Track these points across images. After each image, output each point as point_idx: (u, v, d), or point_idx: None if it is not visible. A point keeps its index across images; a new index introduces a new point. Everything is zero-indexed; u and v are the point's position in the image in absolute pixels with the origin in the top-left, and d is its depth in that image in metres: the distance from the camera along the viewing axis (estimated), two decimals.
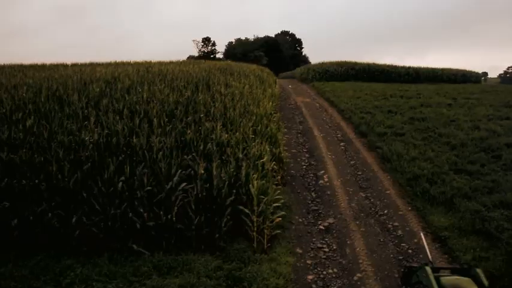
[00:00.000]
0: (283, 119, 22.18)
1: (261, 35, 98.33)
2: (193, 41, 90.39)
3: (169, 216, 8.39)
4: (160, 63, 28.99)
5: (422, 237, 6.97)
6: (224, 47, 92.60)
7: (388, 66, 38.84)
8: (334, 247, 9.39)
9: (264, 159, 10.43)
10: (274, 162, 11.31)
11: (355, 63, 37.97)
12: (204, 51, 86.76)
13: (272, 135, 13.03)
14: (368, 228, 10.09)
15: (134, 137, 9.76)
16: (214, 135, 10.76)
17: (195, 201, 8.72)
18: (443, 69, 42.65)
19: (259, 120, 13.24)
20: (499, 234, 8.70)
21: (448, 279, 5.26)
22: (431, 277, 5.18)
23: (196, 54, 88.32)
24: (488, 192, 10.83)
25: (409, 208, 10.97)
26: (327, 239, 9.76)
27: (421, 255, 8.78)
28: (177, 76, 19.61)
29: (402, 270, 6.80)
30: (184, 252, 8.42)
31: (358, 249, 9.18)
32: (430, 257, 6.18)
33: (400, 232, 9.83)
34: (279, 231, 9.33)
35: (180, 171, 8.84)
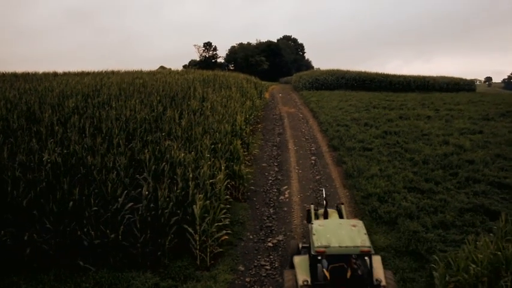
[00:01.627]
0: (264, 130, 22.71)
1: (264, 40, 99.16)
2: (195, 45, 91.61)
3: (113, 235, 8.89)
4: (149, 73, 29.69)
5: (324, 190, 11.66)
6: (226, 52, 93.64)
7: (379, 74, 39.16)
8: (276, 265, 9.84)
9: (216, 179, 10.91)
10: (228, 180, 11.77)
11: (346, 72, 38.34)
12: (205, 56, 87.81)
13: (234, 151, 13.49)
14: None
15: (90, 157, 10.29)
16: (170, 154, 11.26)
17: (140, 220, 9.24)
18: (435, 78, 42.88)
19: (222, 137, 13.72)
20: (429, 256, 9.09)
21: (320, 211, 9.33)
22: (312, 210, 9.43)
23: (197, 58, 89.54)
24: (433, 212, 11.20)
25: None
26: (271, 257, 10.20)
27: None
28: (157, 89, 20.22)
29: (306, 212, 10.36)
30: (128, 269, 8.94)
31: None
32: (324, 202, 9.68)
33: None
34: (221, 250, 9.79)
35: (126, 192, 9.35)
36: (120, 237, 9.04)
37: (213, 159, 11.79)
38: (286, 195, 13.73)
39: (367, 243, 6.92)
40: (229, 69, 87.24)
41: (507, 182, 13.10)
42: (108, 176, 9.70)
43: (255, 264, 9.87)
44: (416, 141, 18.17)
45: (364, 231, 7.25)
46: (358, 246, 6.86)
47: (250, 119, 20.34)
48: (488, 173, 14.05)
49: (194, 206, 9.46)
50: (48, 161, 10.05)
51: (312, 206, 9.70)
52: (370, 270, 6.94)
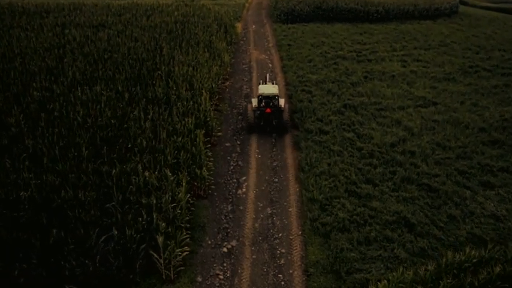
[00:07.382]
0: (231, 91, 23.28)
1: None
2: None
3: (91, 265, 10.74)
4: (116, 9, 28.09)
5: (268, 75, 22.31)
6: None
7: (357, 4, 37.71)
8: (228, 274, 12.11)
9: (179, 195, 12.45)
10: (189, 195, 13.29)
11: (323, 1, 36.77)
12: None
13: (196, 153, 14.67)
14: (259, 256, 12.69)
15: (62, 191, 11.49)
16: (136, 177, 12.49)
17: (113, 249, 11.03)
18: (415, 4, 41.70)
19: (185, 137, 14.75)
20: (346, 277, 11.46)
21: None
22: (261, 82, 20.62)
23: None
24: (362, 224, 13.28)
25: (299, 233, 13.47)
26: (225, 265, 12.40)
27: None
28: (123, 53, 19.97)
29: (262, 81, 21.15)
30: None
31: (243, 279, 11.92)
32: (267, 80, 20.86)
33: (282, 261, 12.50)
34: (182, 268, 11.86)
35: (97, 229, 10.90)
36: (97, 264, 10.92)
37: (175, 176, 13.11)
38: (244, 190, 15.42)
39: (277, 91, 18.31)
40: None
41: (435, 185, 15.07)
42: (80, 213, 11.08)
43: (211, 273, 12.06)
44: (372, 120, 19.47)
45: (277, 87, 18.89)
46: (273, 93, 18.12)
47: (217, 86, 20.83)
48: (424, 169, 15.91)
49: (158, 236, 11.22)
50: (26, 196, 11.22)
51: (261, 81, 20.67)
52: (278, 102, 18.22)
